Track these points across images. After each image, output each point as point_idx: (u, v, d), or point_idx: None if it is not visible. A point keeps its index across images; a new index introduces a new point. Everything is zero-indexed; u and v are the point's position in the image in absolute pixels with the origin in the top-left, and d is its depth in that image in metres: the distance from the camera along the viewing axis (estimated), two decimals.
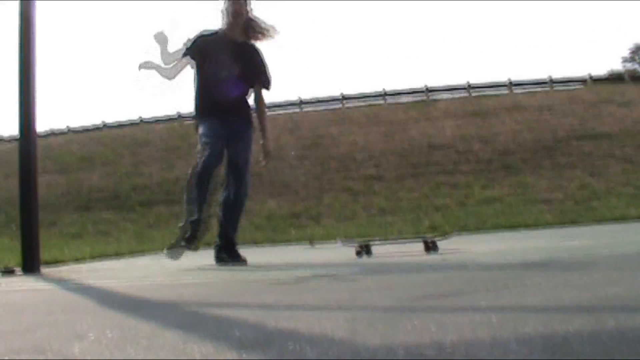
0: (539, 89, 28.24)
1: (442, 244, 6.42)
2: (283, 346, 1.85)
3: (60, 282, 5.53)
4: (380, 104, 27.91)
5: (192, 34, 6.69)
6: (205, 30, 6.74)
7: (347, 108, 27.71)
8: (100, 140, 27.21)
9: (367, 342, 1.85)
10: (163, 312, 2.89)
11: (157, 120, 30.54)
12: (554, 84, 28.76)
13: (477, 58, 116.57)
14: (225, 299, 3.37)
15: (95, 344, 2.05)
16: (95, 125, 31.61)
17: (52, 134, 30.83)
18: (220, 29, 6.66)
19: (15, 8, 6.94)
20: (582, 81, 29.31)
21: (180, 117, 29.73)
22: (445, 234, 7.61)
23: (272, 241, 11.94)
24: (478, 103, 25.67)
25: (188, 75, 6.71)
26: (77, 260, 9.29)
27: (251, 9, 6.67)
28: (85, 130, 30.96)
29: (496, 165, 18.76)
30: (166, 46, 6.70)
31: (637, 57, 63.85)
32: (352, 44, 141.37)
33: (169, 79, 6.78)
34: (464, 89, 28.83)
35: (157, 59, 6.73)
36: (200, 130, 6.51)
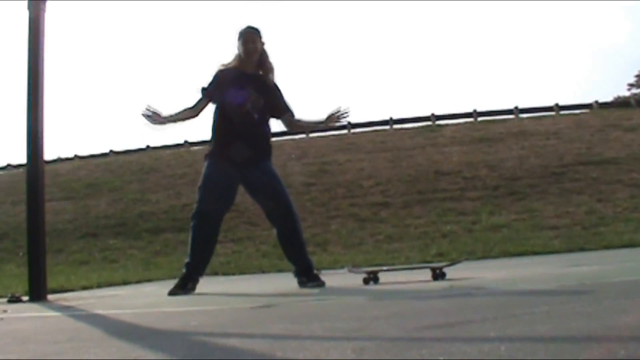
0: (545, 114, 28.24)
1: (449, 271, 6.40)
2: None
3: (67, 310, 5.53)
4: (386, 131, 27.93)
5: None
6: (222, 65, 6.77)
7: (354, 134, 27.74)
8: (107, 167, 27.26)
9: None
10: (170, 342, 2.88)
11: (164, 147, 30.56)
12: (560, 110, 28.74)
13: (483, 86, 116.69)
14: (232, 329, 3.36)
15: None
16: (102, 151, 31.65)
17: (59, 160, 30.90)
18: (234, 65, 6.70)
19: (24, 35, 7.00)
20: (589, 106, 29.28)
21: (187, 143, 29.79)
22: (452, 261, 7.58)
23: (279, 269, 11.90)
24: (484, 129, 25.67)
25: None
26: (84, 287, 9.29)
27: (263, 43, 6.71)
28: (92, 156, 31.01)
29: (503, 192, 18.72)
30: (165, 115, 6.62)
31: None
32: (358, 72, 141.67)
33: (193, 117, 6.74)
34: (470, 115, 28.84)
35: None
36: (204, 171, 6.64)
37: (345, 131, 28.29)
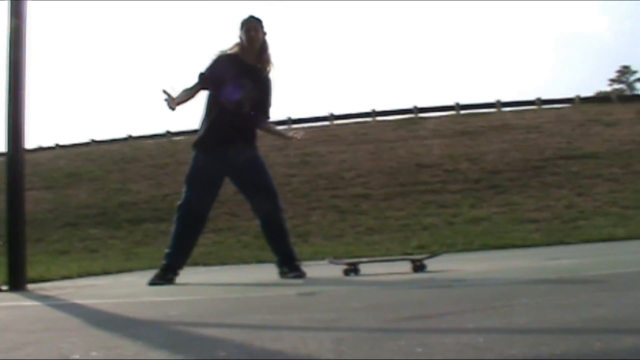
0: (527, 108, 28.34)
1: (429, 263, 6.42)
2: None
3: (46, 299, 5.50)
4: (368, 123, 27.94)
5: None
6: (223, 51, 6.70)
7: (336, 126, 27.74)
8: (88, 157, 27.13)
9: None
10: (149, 332, 2.88)
11: (146, 136, 30.47)
12: (542, 104, 28.84)
13: (466, 79, 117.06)
14: (211, 318, 3.36)
15: None
16: (83, 141, 31.49)
17: (40, 149, 30.73)
18: (235, 51, 6.64)
19: (4, 24, 6.94)
20: (570, 101, 29.39)
21: (169, 133, 29.72)
22: (432, 253, 7.61)
23: (260, 260, 11.90)
24: (466, 122, 25.73)
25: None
26: (64, 277, 9.25)
27: (265, 33, 6.66)
28: (73, 145, 30.84)
29: (484, 185, 18.79)
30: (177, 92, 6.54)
31: (623, 78, 64.40)
32: (342, 64, 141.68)
33: (191, 99, 6.64)
34: (453, 108, 28.90)
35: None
36: (193, 163, 6.61)
37: (327, 123, 28.29)
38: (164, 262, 6.57)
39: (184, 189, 6.61)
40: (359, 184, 19.86)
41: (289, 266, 6.52)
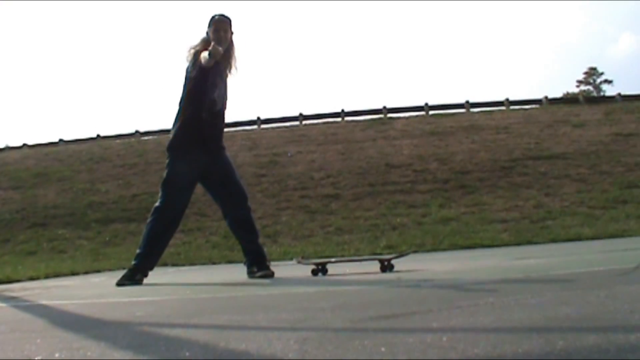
0: (496, 109, 28.49)
1: (398, 263, 6.45)
2: None
3: (12, 300, 5.46)
4: (338, 123, 27.95)
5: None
6: (193, 48, 6.52)
7: (305, 126, 27.73)
8: (56, 156, 26.89)
9: None
10: (114, 332, 2.86)
11: (114, 136, 30.28)
12: (511, 105, 29.01)
13: (434, 80, 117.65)
14: (177, 319, 3.35)
15: None
16: (51, 140, 31.22)
17: (7, 148, 30.45)
18: (201, 49, 6.48)
19: None
20: (538, 102, 29.58)
21: (138, 133, 29.57)
22: (401, 253, 7.63)
23: (229, 260, 11.87)
24: (435, 123, 25.81)
25: None
26: (31, 278, 9.18)
27: (233, 33, 6.60)
28: (41, 145, 30.57)
29: (453, 185, 18.86)
30: None
31: (591, 80, 65.03)
32: (311, 64, 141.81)
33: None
34: (422, 108, 28.99)
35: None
36: (171, 167, 6.57)
37: (297, 123, 28.28)
38: (133, 262, 6.55)
39: (160, 192, 6.58)
40: (328, 184, 19.85)
41: (258, 265, 6.51)
